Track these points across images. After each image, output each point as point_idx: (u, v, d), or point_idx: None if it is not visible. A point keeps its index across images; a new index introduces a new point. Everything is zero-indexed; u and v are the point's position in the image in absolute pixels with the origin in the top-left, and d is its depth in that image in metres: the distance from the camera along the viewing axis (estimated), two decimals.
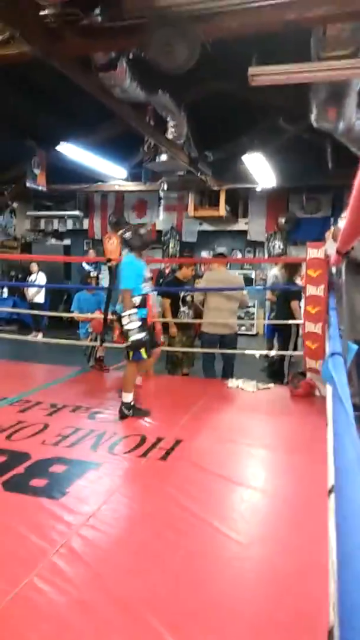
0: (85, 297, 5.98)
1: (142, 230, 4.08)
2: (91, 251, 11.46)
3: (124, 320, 3.74)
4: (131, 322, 3.72)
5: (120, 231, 4.16)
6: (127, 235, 4.03)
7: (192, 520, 2.30)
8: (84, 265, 10.68)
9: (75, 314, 5.91)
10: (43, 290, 10.01)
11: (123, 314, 3.76)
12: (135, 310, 3.75)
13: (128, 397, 3.88)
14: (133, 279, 3.84)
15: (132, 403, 3.89)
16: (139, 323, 3.74)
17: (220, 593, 1.82)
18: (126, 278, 3.84)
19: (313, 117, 5.23)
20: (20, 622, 1.61)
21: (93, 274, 6.23)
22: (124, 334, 3.80)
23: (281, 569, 1.98)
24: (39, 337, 8.59)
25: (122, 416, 3.84)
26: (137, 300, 3.83)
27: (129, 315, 3.73)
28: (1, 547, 2.03)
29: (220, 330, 5.65)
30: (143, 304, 3.88)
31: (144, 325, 3.83)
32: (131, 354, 3.81)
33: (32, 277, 9.98)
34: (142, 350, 3.80)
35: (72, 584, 1.80)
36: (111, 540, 2.12)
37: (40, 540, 2.07)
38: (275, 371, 6.38)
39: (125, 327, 3.73)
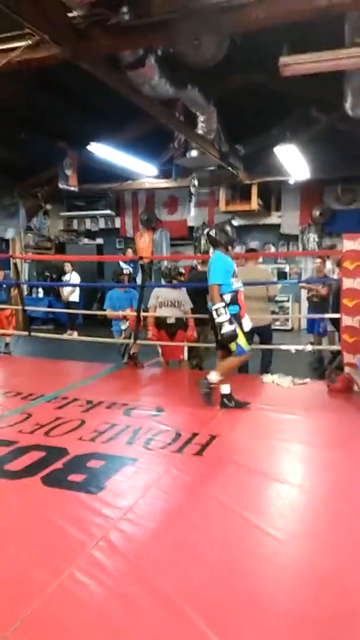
0: (117, 294, 6.03)
1: (227, 227, 4.07)
2: (129, 250, 11.54)
3: (214, 315, 3.79)
4: (220, 315, 3.77)
5: (206, 230, 4.17)
6: (213, 232, 4.05)
7: (227, 515, 2.30)
8: (121, 263, 10.81)
9: (109, 312, 5.97)
10: (77, 290, 10.16)
11: (213, 308, 3.81)
12: (223, 303, 3.80)
13: (227, 389, 4.00)
14: (222, 275, 3.86)
15: (230, 394, 3.99)
16: (228, 317, 3.77)
17: (258, 587, 1.81)
18: (215, 273, 3.86)
19: (348, 105, 5.09)
20: (62, 612, 1.65)
21: (126, 271, 6.26)
22: (216, 328, 3.84)
23: (319, 565, 1.95)
24: (75, 335, 8.73)
25: (224, 406, 3.97)
26: (227, 297, 3.86)
27: (218, 309, 3.77)
28: (42, 540, 2.08)
29: (254, 322, 5.60)
30: (234, 301, 3.91)
31: (238, 320, 3.89)
32: (234, 351, 3.89)
33: (67, 277, 10.15)
34: (243, 343, 3.88)
35: (111, 576, 1.82)
36: (149, 533, 2.14)
37: (80, 534, 2.10)
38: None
39: (217, 321, 3.78)
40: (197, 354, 6.07)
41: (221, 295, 3.84)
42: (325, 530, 2.23)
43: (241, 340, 3.87)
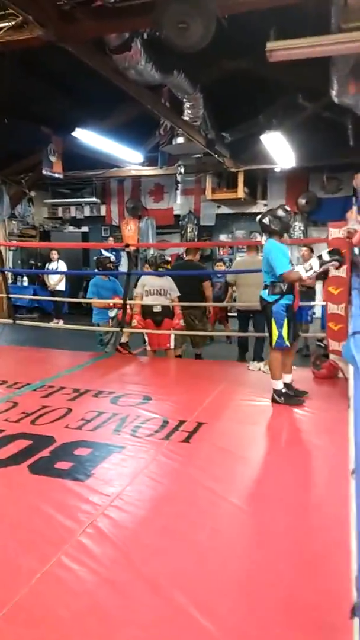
0: (102, 283, 5.99)
1: (281, 212, 3.85)
2: (110, 238, 11.47)
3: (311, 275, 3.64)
4: (310, 271, 3.60)
5: (259, 216, 3.97)
6: (266, 220, 3.86)
7: (215, 500, 2.31)
8: (102, 251, 10.71)
9: (94, 300, 5.94)
10: (64, 278, 10.06)
11: (305, 275, 3.62)
12: (304, 271, 3.63)
13: (277, 384, 3.89)
14: (286, 261, 3.72)
15: (283, 390, 3.89)
16: (315, 269, 3.58)
17: (245, 571, 1.83)
18: (280, 262, 3.69)
19: (334, 92, 5.08)
20: (51, 598, 1.64)
21: (113, 259, 6.23)
22: (271, 323, 3.76)
23: (305, 548, 1.97)
24: (60, 324, 8.67)
25: (275, 402, 3.86)
26: (284, 286, 3.74)
27: (308, 275, 3.61)
28: (29, 527, 2.07)
29: (251, 306, 5.93)
30: (290, 290, 3.79)
31: (290, 311, 3.79)
32: (274, 341, 3.80)
33: (53, 265, 10.02)
34: (285, 336, 3.76)
35: (99, 562, 1.82)
36: (137, 520, 2.14)
37: (68, 520, 2.10)
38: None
39: (314, 272, 3.61)
40: (197, 342, 6.10)
41: (280, 283, 3.73)
42: (311, 514, 2.26)
43: (285, 332, 3.76)
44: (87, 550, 1.89)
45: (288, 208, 3.94)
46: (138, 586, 1.71)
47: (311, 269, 3.61)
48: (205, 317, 6.47)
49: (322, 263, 3.63)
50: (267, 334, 3.94)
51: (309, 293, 6.71)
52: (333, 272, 4.50)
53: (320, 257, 3.66)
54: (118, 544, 1.95)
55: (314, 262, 3.63)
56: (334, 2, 3.98)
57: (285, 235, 3.93)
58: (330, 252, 3.73)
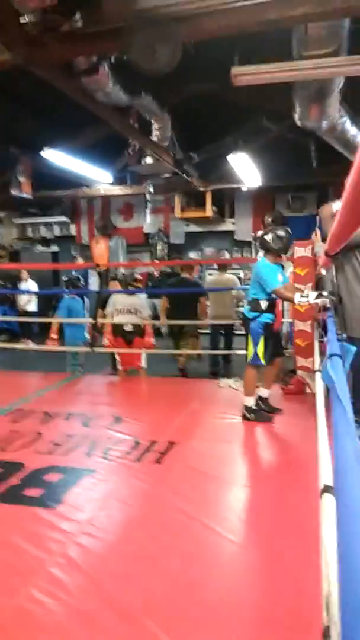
0: (73, 303, 5.96)
1: (282, 232, 3.84)
2: (79, 258, 11.43)
3: (302, 303, 3.59)
4: (304, 299, 3.53)
5: (260, 232, 3.95)
6: (269, 237, 3.83)
7: (187, 523, 2.30)
8: (73, 271, 10.65)
9: (58, 320, 5.90)
10: (34, 299, 9.92)
11: (297, 301, 3.58)
12: (299, 294, 3.58)
13: (248, 401, 3.90)
14: (276, 278, 3.71)
15: (253, 407, 3.89)
16: (310, 299, 3.52)
17: (218, 595, 1.82)
18: (271, 277, 3.70)
19: (297, 116, 5.24)
20: (19, 634, 1.60)
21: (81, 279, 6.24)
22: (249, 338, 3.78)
23: (276, 569, 1.98)
24: (31, 345, 8.54)
25: (245, 418, 3.88)
26: (264, 304, 3.77)
27: (300, 301, 3.56)
28: None
29: (222, 319, 6.76)
30: (271, 309, 3.82)
31: (269, 330, 3.80)
32: (249, 357, 3.81)
33: (23, 285, 9.89)
34: (261, 355, 3.76)
35: (69, 593, 1.78)
36: (108, 546, 2.11)
37: (38, 551, 2.05)
38: None
39: (307, 302, 3.56)
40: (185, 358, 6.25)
41: (268, 300, 3.76)
42: (281, 533, 2.26)
43: (260, 350, 3.78)
44: (57, 581, 1.85)
45: (289, 230, 3.95)
46: (109, 615, 1.68)
47: (307, 297, 3.60)
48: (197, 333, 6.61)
49: (319, 296, 3.60)
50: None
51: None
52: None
53: (320, 294, 3.64)
54: (89, 572, 1.91)
55: (312, 294, 3.62)
56: (295, 30, 4.13)
57: (284, 255, 3.95)
58: (331, 293, 3.79)
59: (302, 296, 3.59)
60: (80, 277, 6.30)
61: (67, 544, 2.10)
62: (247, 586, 1.89)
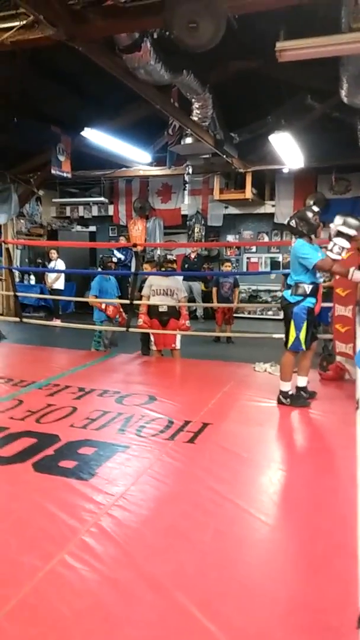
0: (103, 282, 6.00)
1: (308, 213, 3.74)
2: (122, 238, 11.53)
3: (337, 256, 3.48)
4: (335, 251, 3.43)
5: (287, 219, 3.88)
6: (293, 222, 3.76)
7: (219, 502, 2.30)
8: (115, 251, 10.78)
9: (91, 299, 5.94)
10: (62, 277, 10.04)
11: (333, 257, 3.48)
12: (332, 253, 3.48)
13: (285, 386, 3.87)
14: (317, 254, 3.63)
15: (290, 392, 3.87)
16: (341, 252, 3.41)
17: (248, 572, 1.82)
18: (311, 253, 3.63)
19: (343, 93, 5.05)
20: (54, 597, 1.64)
21: (115, 259, 6.27)
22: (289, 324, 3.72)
23: (309, 551, 1.96)
24: (58, 323, 8.68)
25: (280, 403, 3.86)
26: (308, 288, 3.69)
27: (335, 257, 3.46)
28: (32, 525, 2.07)
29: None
30: (314, 293, 3.73)
31: (312, 315, 3.73)
32: (290, 343, 3.75)
33: (52, 264, 10.02)
34: (302, 339, 3.70)
35: (102, 561, 1.82)
36: (140, 520, 2.14)
37: (71, 519, 2.10)
38: None
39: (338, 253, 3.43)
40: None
41: (311, 283, 3.67)
42: (315, 516, 2.24)
43: (302, 335, 3.70)
44: (90, 549, 1.89)
45: (316, 209, 3.82)
46: (140, 585, 1.71)
47: (336, 245, 3.45)
48: None
49: (349, 238, 3.46)
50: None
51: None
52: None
53: (338, 233, 3.47)
54: (121, 543, 1.95)
55: (338, 240, 3.46)
56: (345, 3, 3.95)
57: (313, 236, 3.80)
58: (344, 224, 3.53)
59: (334, 252, 3.46)
60: (111, 257, 6.31)
61: (100, 515, 2.14)
62: (279, 566, 1.88)
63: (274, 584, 1.77)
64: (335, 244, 3.47)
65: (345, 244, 3.45)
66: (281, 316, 4.06)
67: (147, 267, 6.28)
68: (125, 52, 4.57)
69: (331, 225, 3.63)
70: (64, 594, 1.66)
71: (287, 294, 3.81)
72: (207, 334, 7.77)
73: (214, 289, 8.18)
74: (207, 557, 1.89)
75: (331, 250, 3.50)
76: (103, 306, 5.83)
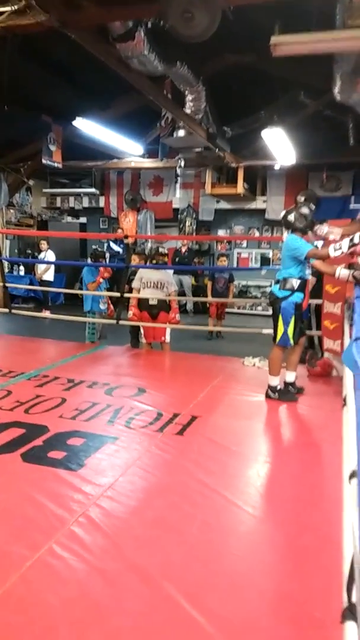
0: (93, 271, 5.94)
1: (305, 210, 3.76)
2: (119, 230, 11.45)
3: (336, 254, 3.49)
4: (337, 250, 3.45)
5: (283, 212, 3.88)
6: (291, 217, 3.76)
7: (207, 494, 2.31)
8: (111, 243, 10.76)
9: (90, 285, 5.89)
10: (52, 268, 9.97)
11: (333, 254, 3.50)
12: (332, 249, 3.49)
13: (273, 381, 3.88)
14: (308, 244, 3.64)
15: (278, 387, 3.88)
16: (343, 250, 3.43)
17: (235, 564, 1.83)
18: (303, 244, 3.65)
19: (336, 89, 5.06)
20: (41, 586, 1.64)
21: (111, 252, 6.21)
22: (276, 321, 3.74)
23: (295, 543, 1.98)
24: (47, 314, 8.63)
25: (268, 397, 3.87)
26: (295, 283, 3.70)
27: (336, 252, 3.46)
28: (21, 515, 2.06)
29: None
30: (302, 288, 3.75)
31: (299, 310, 3.75)
32: (278, 337, 3.76)
33: (42, 255, 9.91)
34: (290, 334, 3.71)
35: (90, 551, 1.82)
36: (129, 511, 2.14)
37: (59, 509, 2.09)
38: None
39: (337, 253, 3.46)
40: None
41: (299, 278, 3.70)
42: (301, 510, 2.26)
43: (291, 330, 3.72)
44: (78, 539, 1.89)
45: (313, 206, 3.86)
46: (128, 576, 1.71)
47: (340, 248, 3.49)
48: None
49: (352, 245, 3.49)
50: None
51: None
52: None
53: (351, 239, 3.52)
54: (109, 533, 1.95)
55: (344, 243, 3.51)
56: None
57: (310, 233, 3.84)
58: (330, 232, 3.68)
59: (335, 250, 3.49)
60: (104, 252, 6.26)
61: (88, 505, 2.14)
62: (265, 558, 1.90)
63: (260, 575, 1.78)
64: (340, 246, 3.51)
65: (345, 247, 3.49)
66: (270, 312, 4.07)
67: (135, 259, 6.24)
68: (119, 40, 4.54)
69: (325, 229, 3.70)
70: (52, 584, 1.66)
71: (276, 288, 3.84)
72: (199, 328, 7.79)
73: (209, 284, 8.16)
74: (194, 549, 1.90)
75: (334, 248, 3.52)
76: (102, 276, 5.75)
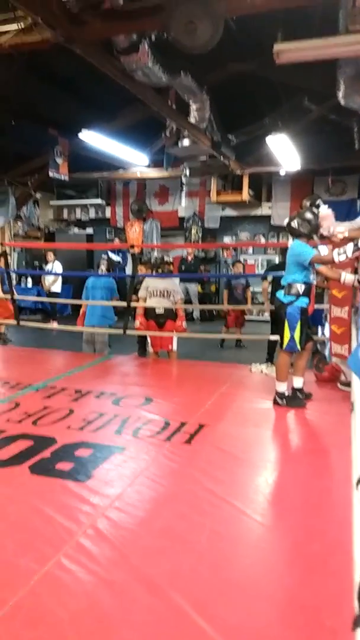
0: (96, 282, 5.96)
1: (309, 215, 3.74)
2: (116, 239, 11.51)
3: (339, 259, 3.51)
4: (341, 255, 3.46)
5: (286, 220, 3.89)
6: (294, 223, 3.75)
7: (215, 503, 2.30)
8: (109, 253, 10.75)
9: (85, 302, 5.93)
10: (60, 280, 10.02)
11: (337, 259, 3.51)
12: (336, 253, 3.50)
13: (281, 387, 3.87)
14: (312, 249, 3.65)
15: (285, 393, 3.87)
16: (347, 254, 3.44)
17: (244, 573, 1.82)
18: (307, 249, 3.65)
19: (340, 94, 5.08)
20: (49, 599, 1.63)
21: (119, 259, 6.24)
22: (281, 324, 3.73)
23: (305, 551, 1.96)
24: (54, 325, 8.68)
25: (276, 404, 3.86)
26: (301, 288, 3.69)
27: (340, 256, 3.48)
28: (29, 527, 2.06)
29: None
30: (307, 293, 3.74)
31: (305, 315, 3.74)
32: (285, 343, 3.75)
33: (49, 267, 9.94)
34: (297, 339, 3.70)
35: (99, 563, 1.81)
36: (137, 521, 2.13)
37: (67, 521, 2.09)
38: None
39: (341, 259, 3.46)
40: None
41: (304, 283, 3.69)
42: (311, 517, 2.24)
43: (297, 335, 3.70)
44: (86, 551, 1.88)
45: (316, 211, 3.85)
46: (136, 587, 1.70)
47: (344, 253, 3.49)
48: None
49: (357, 249, 3.49)
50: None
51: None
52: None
53: (356, 244, 3.52)
54: (117, 545, 1.94)
55: (349, 247, 3.49)
56: (342, 5, 3.98)
57: (315, 236, 3.82)
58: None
59: (339, 254, 3.49)
60: (112, 259, 6.30)
61: (97, 517, 2.13)
62: (274, 567, 1.88)
63: (270, 584, 1.77)
64: (344, 250, 3.49)
65: (349, 252, 3.48)
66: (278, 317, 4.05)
67: (141, 269, 6.28)
68: (123, 54, 4.59)
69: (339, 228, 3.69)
70: (60, 596, 1.65)
71: (281, 294, 3.83)
72: (207, 336, 7.78)
73: (225, 292, 8.10)
74: (203, 558, 1.89)
75: (338, 252, 3.52)
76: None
